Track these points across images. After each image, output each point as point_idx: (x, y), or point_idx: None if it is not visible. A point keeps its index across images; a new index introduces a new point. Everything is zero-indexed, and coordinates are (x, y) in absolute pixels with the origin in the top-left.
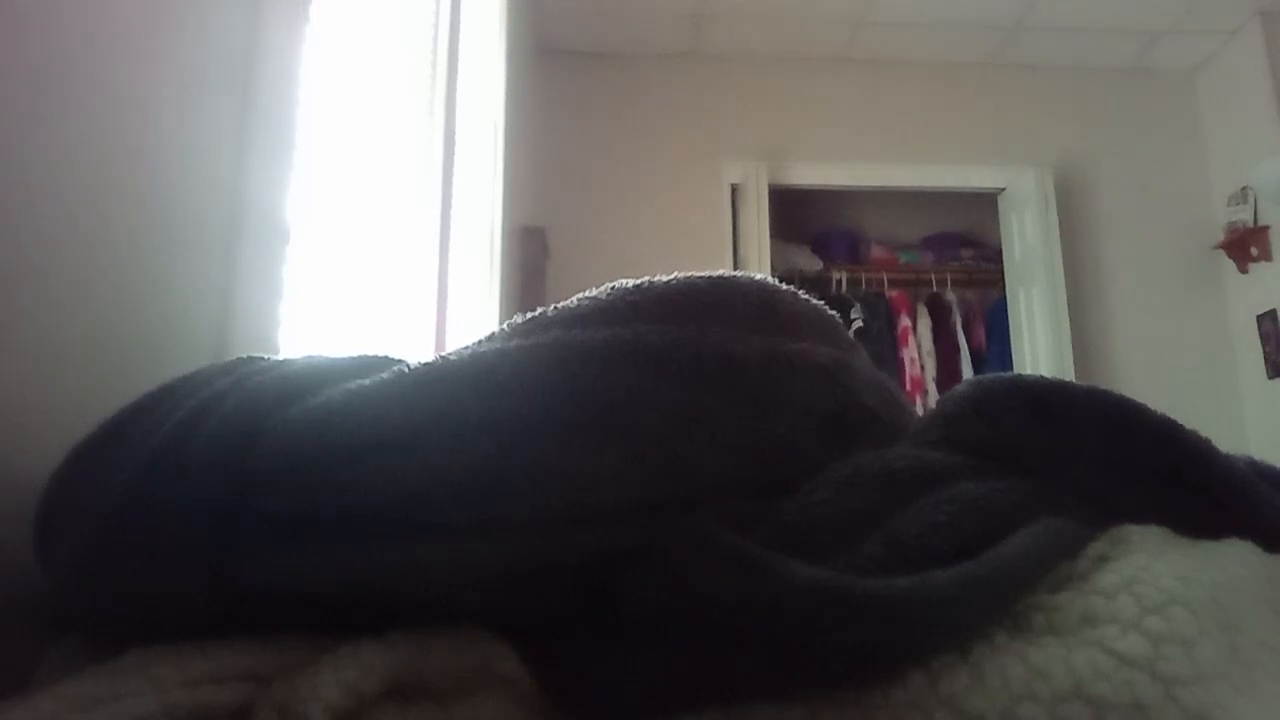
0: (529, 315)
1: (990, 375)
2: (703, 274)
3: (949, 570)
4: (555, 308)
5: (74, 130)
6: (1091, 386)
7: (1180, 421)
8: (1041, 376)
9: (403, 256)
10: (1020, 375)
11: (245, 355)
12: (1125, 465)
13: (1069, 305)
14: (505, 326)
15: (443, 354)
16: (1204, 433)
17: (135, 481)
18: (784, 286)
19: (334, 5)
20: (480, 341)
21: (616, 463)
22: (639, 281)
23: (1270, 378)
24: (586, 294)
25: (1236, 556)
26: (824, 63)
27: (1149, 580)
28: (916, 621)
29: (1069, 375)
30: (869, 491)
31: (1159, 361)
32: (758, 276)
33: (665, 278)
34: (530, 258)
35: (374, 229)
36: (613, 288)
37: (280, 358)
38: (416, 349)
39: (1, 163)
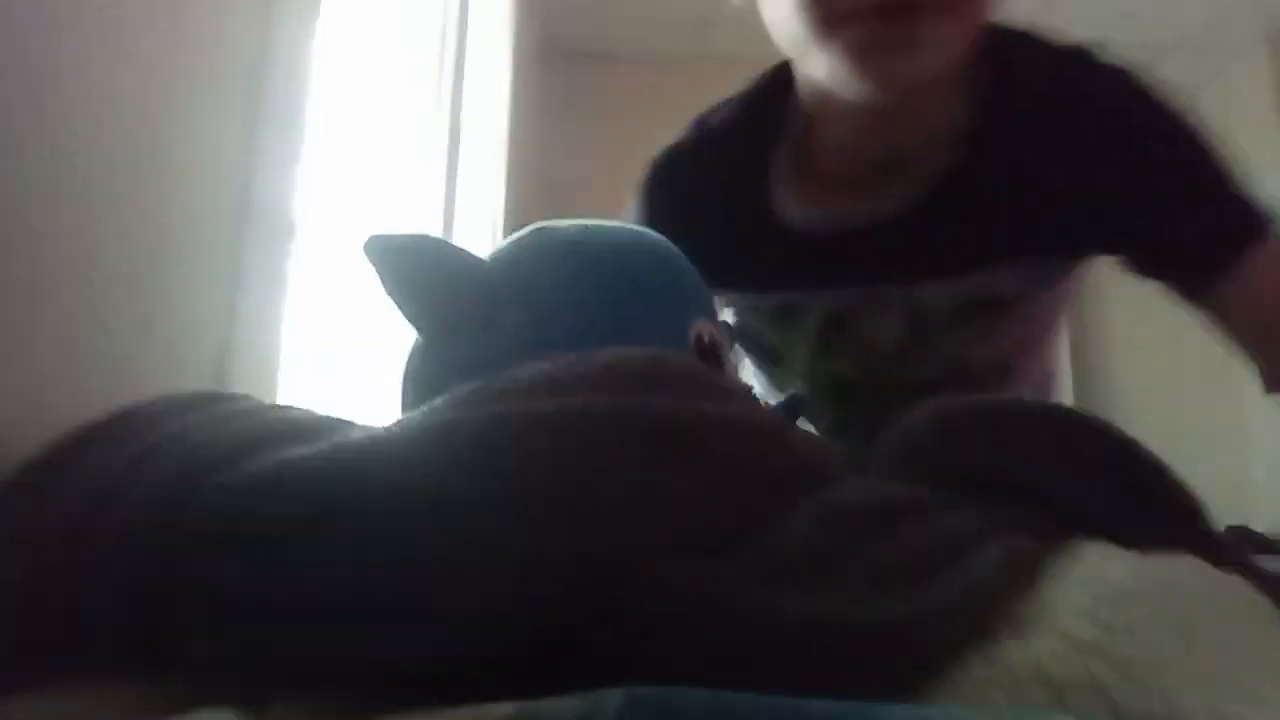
0: (473, 387)
1: (945, 399)
2: (634, 348)
3: (928, 596)
4: (500, 379)
5: (82, 128)
6: (1047, 404)
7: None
8: (998, 397)
9: None
10: (974, 398)
11: (199, 393)
12: (1080, 478)
13: (1070, 319)
14: (449, 397)
15: (388, 424)
16: (1204, 437)
17: (64, 535)
18: (699, 364)
19: (344, 6)
20: (427, 412)
21: (576, 537)
22: (579, 355)
23: None
24: (529, 367)
25: (1187, 565)
26: None
27: (1102, 577)
28: (906, 648)
29: (1067, 379)
30: (833, 530)
31: (1161, 375)
32: (689, 361)
33: (601, 352)
34: None
35: (379, 227)
36: (552, 362)
37: (236, 404)
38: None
39: (9, 160)
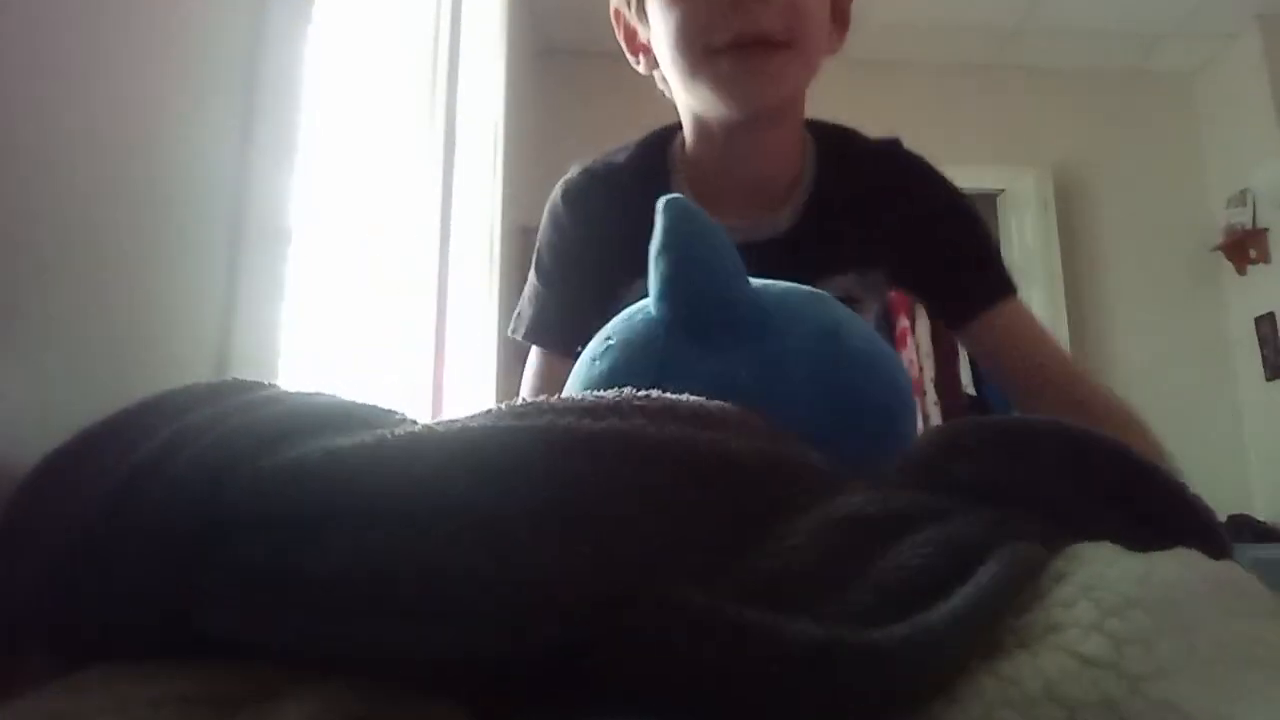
0: (526, 401)
1: (952, 421)
2: (715, 402)
3: (936, 611)
4: (559, 398)
5: (76, 131)
6: (1049, 419)
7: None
8: (1004, 415)
9: (403, 256)
10: (983, 417)
11: (234, 379)
12: (1084, 492)
13: (1067, 307)
14: (502, 406)
15: (430, 423)
16: (1202, 433)
17: (104, 508)
18: (789, 434)
19: (336, 7)
20: (472, 416)
21: (596, 556)
22: (649, 391)
23: (1268, 380)
24: (593, 393)
25: (1184, 561)
26: (824, 63)
27: (1105, 585)
28: (915, 666)
29: None
30: (841, 538)
31: (1157, 363)
32: (765, 419)
33: (672, 395)
34: (530, 258)
35: (375, 229)
36: (621, 391)
37: (269, 391)
38: (416, 347)
39: (2, 167)
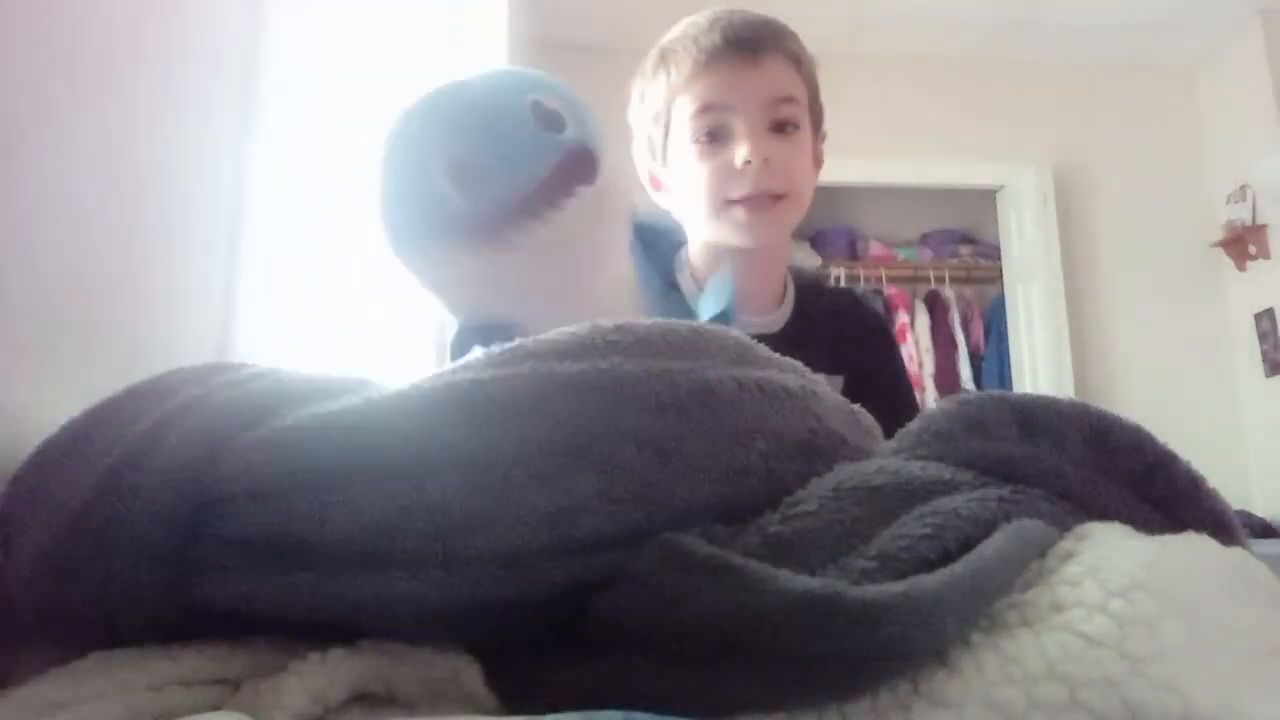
0: (506, 346)
1: (974, 393)
2: (683, 322)
3: (934, 575)
4: (534, 340)
5: (73, 125)
6: (1071, 399)
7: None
8: (1025, 393)
9: None
10: (1005, 392)
11: (217, 362)
12: (1101, 473)
13: (1067, 302)
14: (482, 356)
15: (415, 381)
16: (1202, 430)
17: (94, 493)
18: (758, 343)
19: None
20: (455, 370)
21: (589, 495)
22: (619, 322)
23: (1267, 375)
24: (566, 329)
25: (1193, 546)
26: (822, 59)
27: (1111, 567)
28: (908, 625)
29: (1067, 372)
30: (852, 505)
31: (1157, 359)
32: (735, 331)
33: (645, 321)
34: None
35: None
36: (593, 325)
37: (254, 369)
38: (415, 343)
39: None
